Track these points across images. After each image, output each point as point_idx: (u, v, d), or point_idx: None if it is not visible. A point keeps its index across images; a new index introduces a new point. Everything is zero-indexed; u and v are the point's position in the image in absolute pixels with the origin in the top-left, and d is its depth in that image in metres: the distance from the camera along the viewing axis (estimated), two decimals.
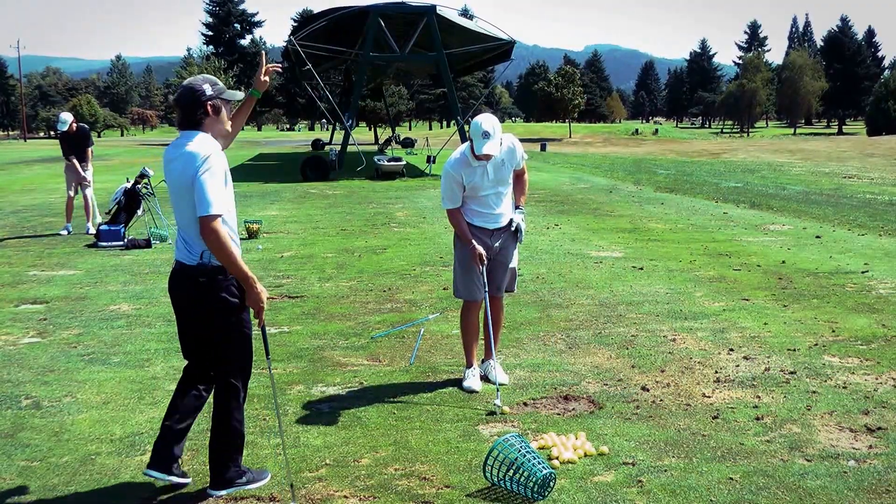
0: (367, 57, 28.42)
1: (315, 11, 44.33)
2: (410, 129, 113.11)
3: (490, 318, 5.74)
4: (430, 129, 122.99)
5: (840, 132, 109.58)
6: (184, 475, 4.25)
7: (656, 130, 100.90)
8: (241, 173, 29.74)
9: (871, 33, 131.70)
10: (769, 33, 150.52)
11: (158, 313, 7.88)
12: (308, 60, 26.45)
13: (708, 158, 52.15)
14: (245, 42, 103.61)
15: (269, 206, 17.89)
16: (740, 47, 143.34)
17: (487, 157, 5.39)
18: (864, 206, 19.40)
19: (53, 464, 4.50)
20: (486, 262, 5.57)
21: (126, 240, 12.09)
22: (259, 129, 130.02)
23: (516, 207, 5.81)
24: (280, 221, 15.12)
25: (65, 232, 13.52)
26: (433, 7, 27.48)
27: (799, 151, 55.23)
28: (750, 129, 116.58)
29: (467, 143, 5.49)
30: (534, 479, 3.96)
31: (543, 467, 4.00)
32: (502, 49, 30.61)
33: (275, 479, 4.29)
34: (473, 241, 5.53)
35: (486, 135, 5.27)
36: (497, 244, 5.67)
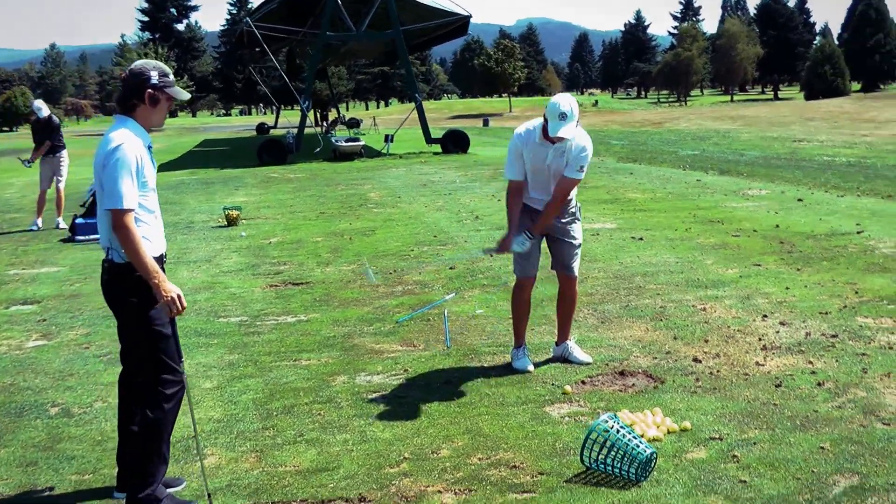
0: (324, 37, 27.83)
1: None
2: (348, 109, 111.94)
3: (562, 298, 5.63)
4: (367, 108, 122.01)
5: (776, 97, 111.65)
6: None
7: (596, 102, 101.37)
8: (191, 160, 29.00)
9: (802, 0, 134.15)
10: (703, 3, 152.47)
11: None
12: (264, 42, 25.83)
13: (651, 128, 52.67)
14: (181, 27, 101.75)
15: (235, 193, 17.40)
16: (675, 17, 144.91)
17: (561, 140, 5.09)
18: (827, 168, 19.71)
19: (107, 475, 4.20)
20: (503, 251, 5.44)
21: None
22: (194, 116, 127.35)
23: (526, 230, 5.35)
24: (253, 207, 14.69)
25: (35, 228, 12.92)
26: None
27: (740, 118, 56.14)
28: (687, 98, 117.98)
29: (539, 121, 5.20)
30: (638, 461, 3.80)
31: (645, 447, 3.85)
32: (458, 24, 30.26)
33: (357, 478, 4.06)
34: (512, 230, 5.36)
35: (564, 116, 4.94)
36: (557, 224, 5.44)
